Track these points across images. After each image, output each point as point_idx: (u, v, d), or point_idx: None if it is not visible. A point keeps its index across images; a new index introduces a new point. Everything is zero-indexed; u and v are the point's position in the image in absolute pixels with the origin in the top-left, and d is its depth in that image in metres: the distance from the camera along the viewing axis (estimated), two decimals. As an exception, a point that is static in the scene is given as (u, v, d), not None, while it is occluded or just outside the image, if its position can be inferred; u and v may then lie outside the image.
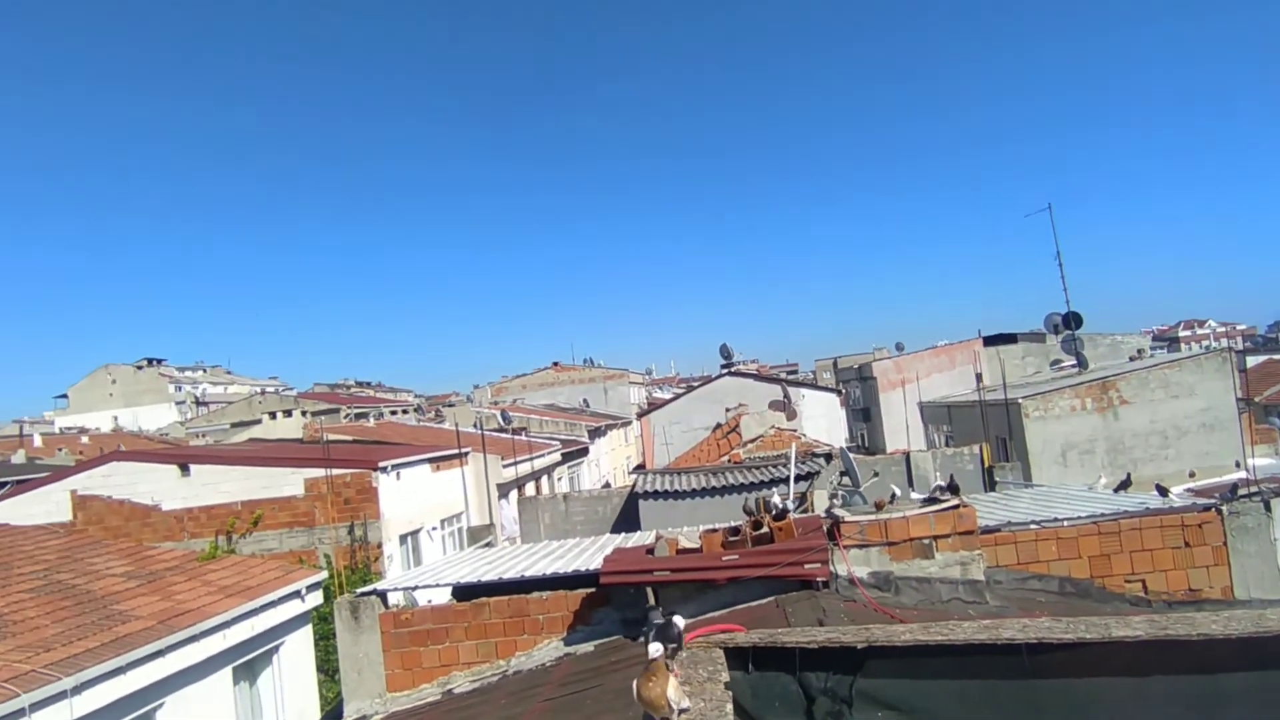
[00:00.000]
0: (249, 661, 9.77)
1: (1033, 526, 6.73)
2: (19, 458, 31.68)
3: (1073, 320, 26.89)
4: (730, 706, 2.60)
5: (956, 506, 5.74)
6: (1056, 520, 6.72)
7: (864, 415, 43.92)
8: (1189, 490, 13.75)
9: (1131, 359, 32.79)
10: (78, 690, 7.04)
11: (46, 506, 17.31)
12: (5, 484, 19.00)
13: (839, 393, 36.94)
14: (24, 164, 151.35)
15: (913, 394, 35.97)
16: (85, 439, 46.00)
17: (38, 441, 41.48)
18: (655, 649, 2.88)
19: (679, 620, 3.43)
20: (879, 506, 6.03)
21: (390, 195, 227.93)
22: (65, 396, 79.94)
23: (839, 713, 2.98)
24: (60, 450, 37.14)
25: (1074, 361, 28.93)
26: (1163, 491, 7.57)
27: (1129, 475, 8.06)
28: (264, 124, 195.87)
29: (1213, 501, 6.76)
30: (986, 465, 14.41)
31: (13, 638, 7.60)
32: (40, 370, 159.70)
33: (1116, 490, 8.11)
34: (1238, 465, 21.66)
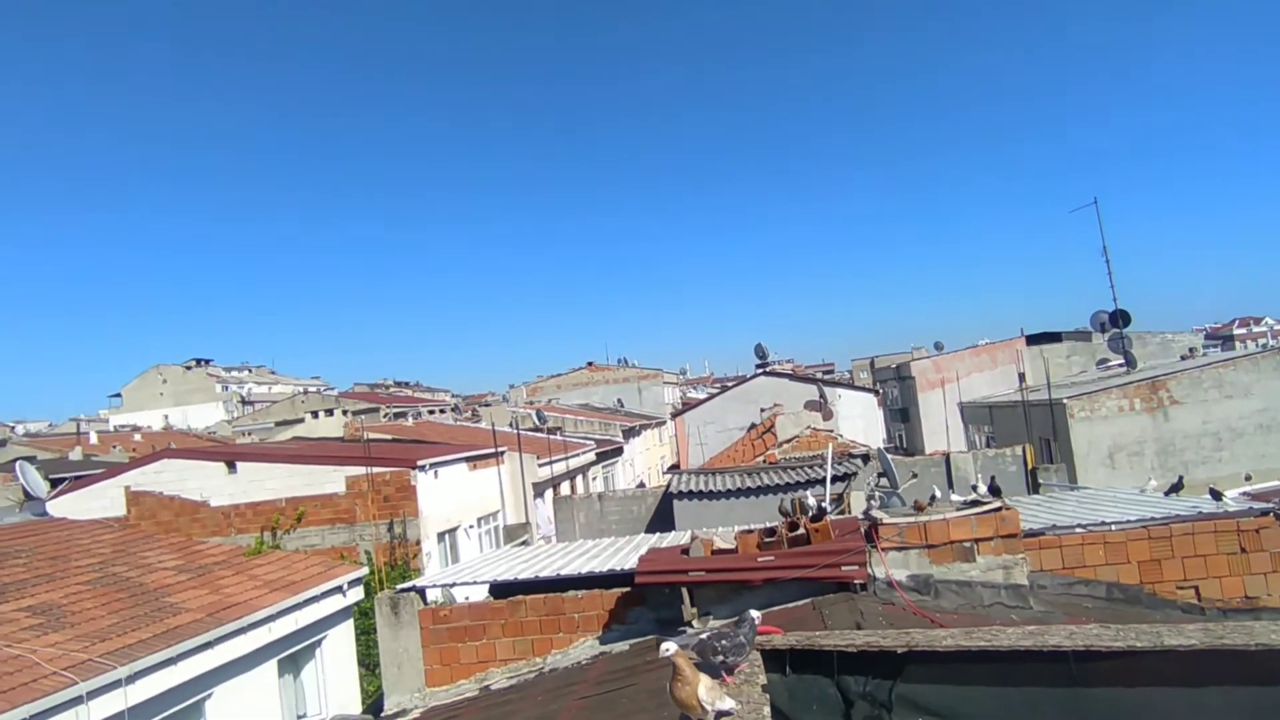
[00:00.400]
0: (293, 654, 10.00)
1: (1079, 530, 6.57)
2: (76, 454, 32.87)
3: (1120, 318, 26.14)
4: (768, 709, 2.57)
5: (999, 509, 5.63)
6: (1104, 524, 6.55)
7: (902, 416, 43.28)
8: (1245, 494, 13.26)
9: (1183, 358, 31.76)
10: (132, 679, 7.28)
11: (102, 502, 17.95)
12: (63, 480, 19.73)
13: (876, 393, 36.45)
14: (79, 168, 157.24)
15: (953, 394, 35.31)
16: (138, 437, 47.54)
17: (93, 439, 43.05)
18: (667, 648, 2.85)
19: (755, 614, 3.34)
20: (918, 508, 5.94)
21: (427, 196, 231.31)
22: (119, 395, 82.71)
23: (878, 717, 2.93)
24: (115, 448, 38.46)
25: (1122, 361, 28.11)
26: (1216, 495, 7.32)
27: (1181, 478, 7.80)
28: (300, 127, 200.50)
29: (1270, 506, 6.52)
30: (1030, 467, 14.09)
31: (70, 628, 7.89)
32: (96, 370, 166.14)
33: (1168, 493, 7.86)
34: (1297, 468, 20.82)
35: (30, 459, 23.00)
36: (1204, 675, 2.70)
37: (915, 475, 13.15)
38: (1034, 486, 13.19)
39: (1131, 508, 7.14)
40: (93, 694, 6.88)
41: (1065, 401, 23.39)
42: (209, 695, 8.44)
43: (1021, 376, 31.60)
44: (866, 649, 3.14)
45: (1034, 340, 39.09)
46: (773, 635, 3.91)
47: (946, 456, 15.05)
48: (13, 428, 65.72)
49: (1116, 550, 6.25)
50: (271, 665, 9.46)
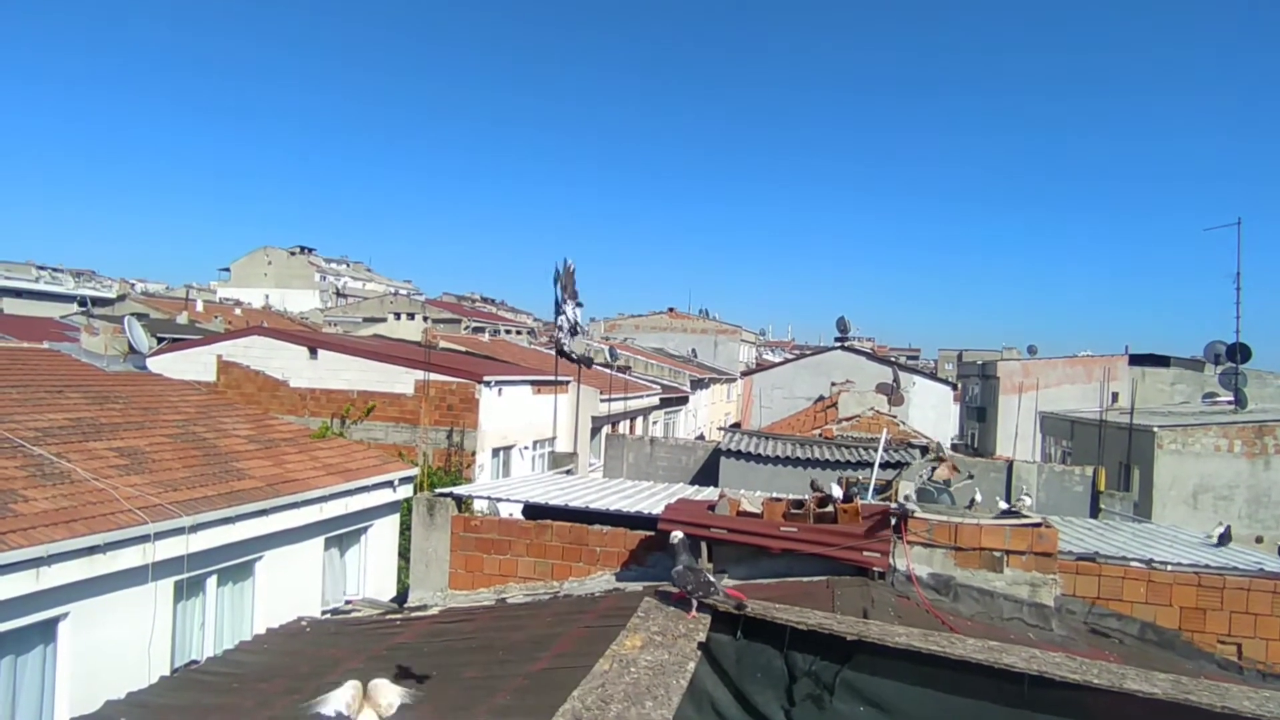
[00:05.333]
0: (340, 536, 10.69)
1: (1132, 563, 6.29)
2: (182, 319, 35.44)
3: (1239, 352, 24.16)
4: (693, 665, 2.61)
5: (1038, 524, 5.44)
6: (1153, 562, 6.25)
7: (979, 415, 41.71)
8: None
9: (1301, 406, 29.24)
10: (195, 529, 7.97)
11: (196, 366, 19.34)
12: (165, 339, 21.34)
13: (955, 387, 35.22)
14: (223, 69, 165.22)
15: (1038, 402, 33.75)
16: (238, 311, 50.75)
17: (199, 307, 46.24)
18: None
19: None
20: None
21: (553, 132, 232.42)
22: (228, 270, 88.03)
23: (819, 697, 2.95)
24: (216, 318, 41.17)
25: (1231, 398, 26.12)
26: (1288, 555, 6.85)
27: (1228, 528, 7.33)
28: (445, 54, 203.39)
29: (1346, 578, 6.05)
30: (1096, 490, 13.45)
31: (150, 473, 8.66)
32: (214, 242, 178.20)
33: (1219, 544, 7.39)
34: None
35: (142, 316, 24.95)
36: (1159, 728, 2.59)
37: (971, 476, 12.74)
38: (1096, 511, 12.62)
39: (1187, 551, 6.76)
40: (160, 535, 7.58)
41: (1155, 430, 22.06)
42: (260, 558, 9.15)
43: (1114, 395, 29.85)
44: (818, 629, 3.15)
45: (1138, 361, 36.72)
46: (730, 598, 3.96)
47: (1009, 463, 14.49)
48: (133, 285, 71.12)
49: (1160, 591, 5.96)
50: (319, 541, 10.15)
